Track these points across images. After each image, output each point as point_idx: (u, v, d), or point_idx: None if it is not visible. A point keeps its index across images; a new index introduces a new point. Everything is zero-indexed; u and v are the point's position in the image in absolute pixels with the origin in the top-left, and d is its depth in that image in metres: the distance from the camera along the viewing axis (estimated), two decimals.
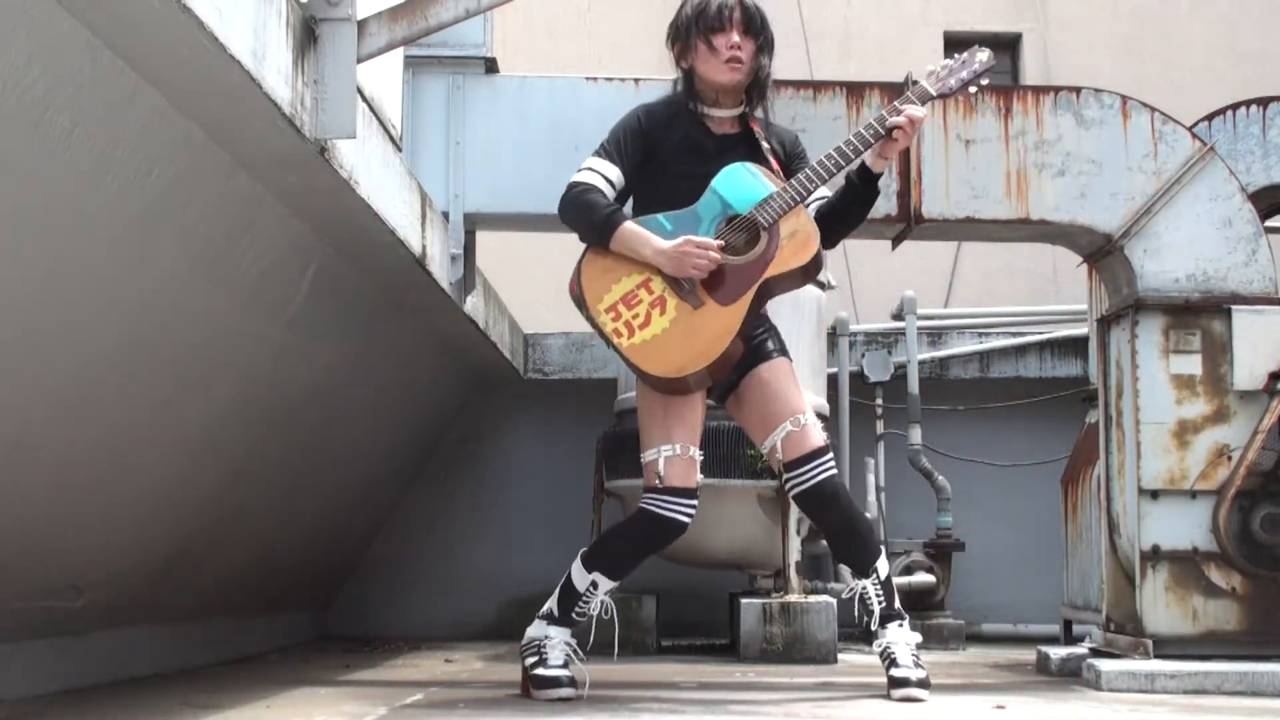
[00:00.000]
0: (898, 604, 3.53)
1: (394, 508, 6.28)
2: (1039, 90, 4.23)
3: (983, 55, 3.50)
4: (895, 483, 6.22)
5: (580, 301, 3.40)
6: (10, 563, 3.08)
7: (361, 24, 2.98)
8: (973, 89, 3.51)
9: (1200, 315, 4.02)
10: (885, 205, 4.03)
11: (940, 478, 6.09)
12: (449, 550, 6.36)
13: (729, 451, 4.90)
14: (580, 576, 3.48)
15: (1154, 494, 3.95)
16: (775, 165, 3.49)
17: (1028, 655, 4.76)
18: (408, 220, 3.66)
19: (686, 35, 3.52)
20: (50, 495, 3.07)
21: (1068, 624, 5.09)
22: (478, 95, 4.24)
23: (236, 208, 3.04)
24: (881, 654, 3.49)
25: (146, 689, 3.58)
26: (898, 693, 3.39)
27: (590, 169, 3.46)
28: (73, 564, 3.36)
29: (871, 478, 6.15)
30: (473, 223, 4.30)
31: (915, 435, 6.17)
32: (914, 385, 6.20)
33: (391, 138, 3.75)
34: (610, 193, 3.44)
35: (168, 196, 2.73)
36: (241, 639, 4.81)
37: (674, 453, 3.39)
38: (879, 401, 6.28)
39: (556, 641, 3.47)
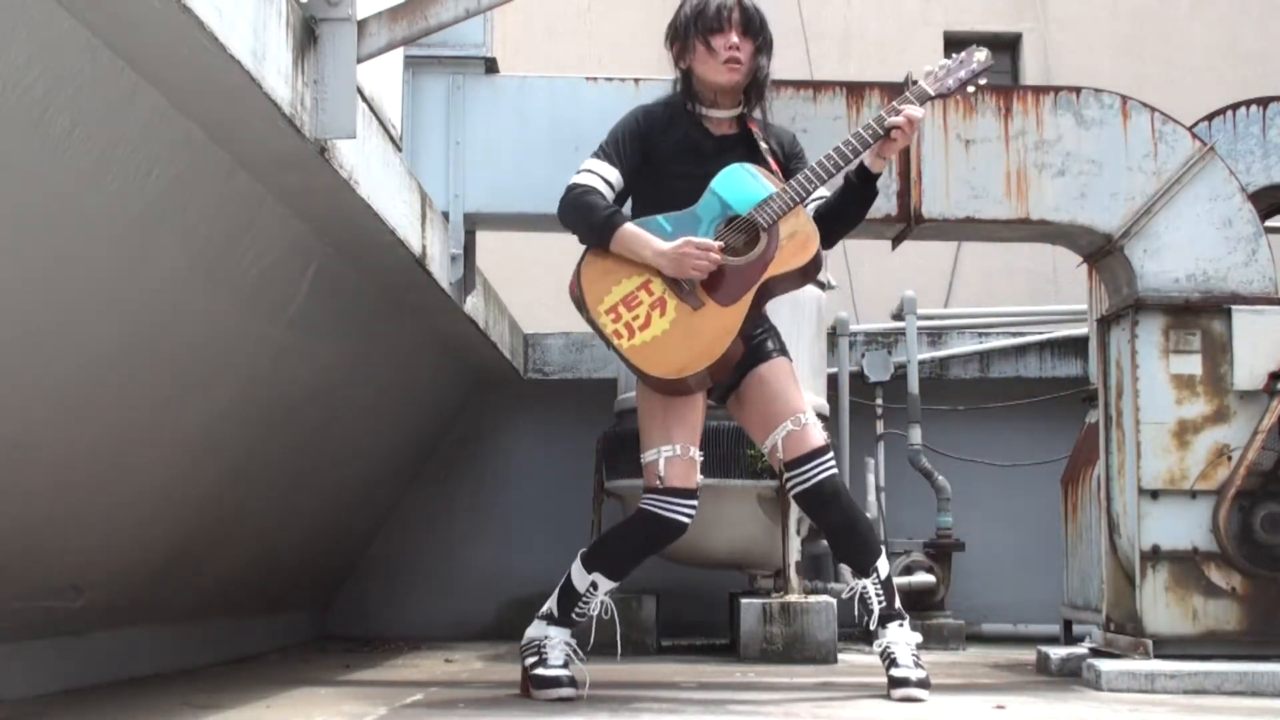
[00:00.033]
0: (898, 604, 3.53)
1: (394, 508, 6.28)
2: (1039, 90, 4.23)
3: (980, 55, 3.50)
4: (895, 483, 6.22)
5: (580, 303, 3.40)
6: (10, 563, 3.08)
7: (361, 24, 2.98)
8: (971, 89, 3.52)
9: (1200, 315, 4.02)
10: (885, 205, 4.03)
11: (940, 478, 6.09)
12: (449, 550, 6.36)
13: (729, 451, 4.90)
14: (580, 577, 3.48)
15: (1154, 494, 3.95)
16: (774, 166, 3.48)
17: (1028, 655, 4.76)
18: (408, 220, 3.66)
19: (685, 36, 3.52)
20: (50, 495, 3.07)
21: (1068, 624, 5.09)
22: (478, 95, 4.24)
23: (236, 208, 3.04)
24: (881, 654, 3.49)
25: (146, 689, 3.58)
26: (898, 693, 3.39)
27: (589, 170, 3.46)
28: (73, 564, 3.36)
29: (871, 478, 6.15)
30: (473, 223, 4.30)
31: (915, 435, 6.17)
32: (914, 385, 6.20)
33: (391, 138, 3.75)
34: (609, 194, 3.44)
35: (168, 196, 2.73)
36: (241, 639, 4.81)
37: (674, 453, 3.39)
38: (879, 401, 6.28)
39: (556, 641, 3.47)
